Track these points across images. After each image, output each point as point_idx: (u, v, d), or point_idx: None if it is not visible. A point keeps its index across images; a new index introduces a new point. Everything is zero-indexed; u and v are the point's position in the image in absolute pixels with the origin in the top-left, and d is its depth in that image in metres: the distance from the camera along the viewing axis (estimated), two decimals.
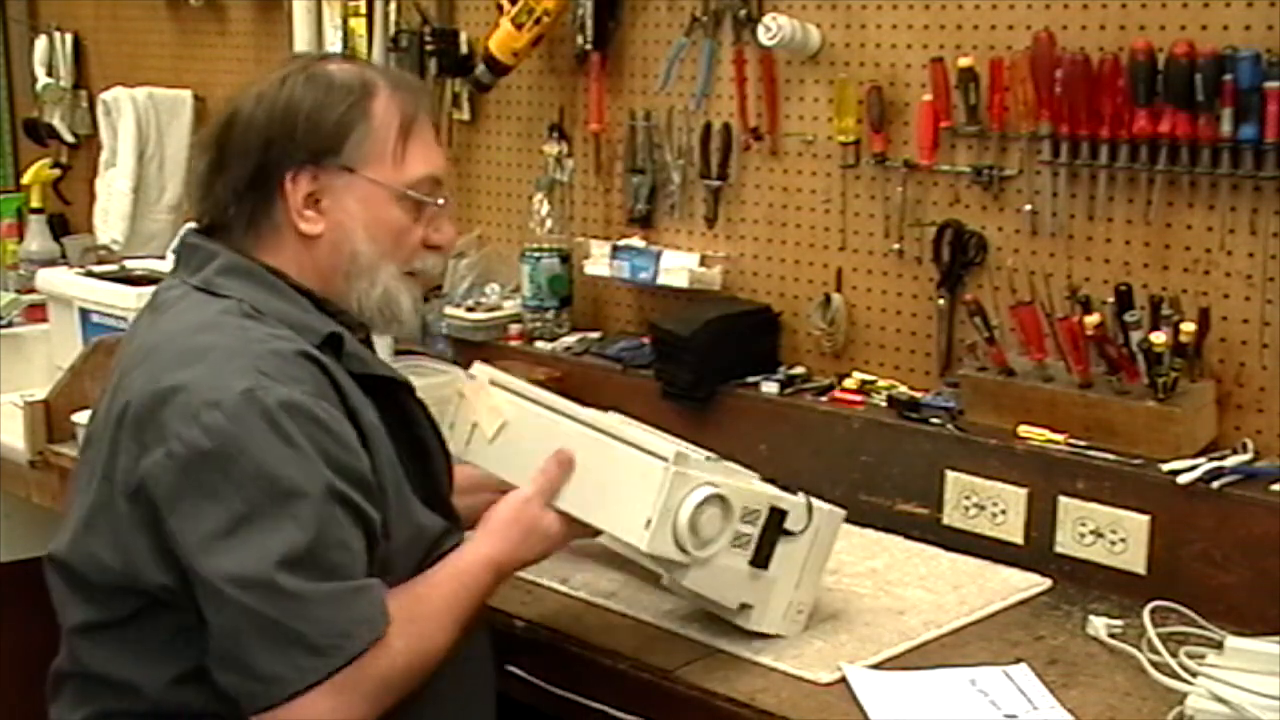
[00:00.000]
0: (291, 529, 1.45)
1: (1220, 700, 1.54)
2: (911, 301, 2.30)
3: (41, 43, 3.96)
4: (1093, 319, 1.99)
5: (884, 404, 2.24)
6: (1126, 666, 1.72)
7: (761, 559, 1.72)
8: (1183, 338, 1.94)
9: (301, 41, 3.13)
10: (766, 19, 2.34)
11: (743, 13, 2.43)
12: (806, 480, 1.84)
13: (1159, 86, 1.96)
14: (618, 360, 2.53)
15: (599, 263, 2.65)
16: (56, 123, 3.93)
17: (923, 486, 2.12)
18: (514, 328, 2.71)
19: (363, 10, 3.02)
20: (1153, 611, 1.78)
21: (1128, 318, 1.98)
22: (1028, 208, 2.15)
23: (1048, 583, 1.96)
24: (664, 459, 1.63)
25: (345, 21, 3.06)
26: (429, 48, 2.88)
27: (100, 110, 3.63)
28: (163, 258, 3.24)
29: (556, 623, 1.85)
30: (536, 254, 2.69)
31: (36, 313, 3.22)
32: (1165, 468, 1.92)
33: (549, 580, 1.94)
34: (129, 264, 3.18)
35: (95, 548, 1.54)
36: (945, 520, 2.10)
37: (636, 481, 1.64)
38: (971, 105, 2.16)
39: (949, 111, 2.20)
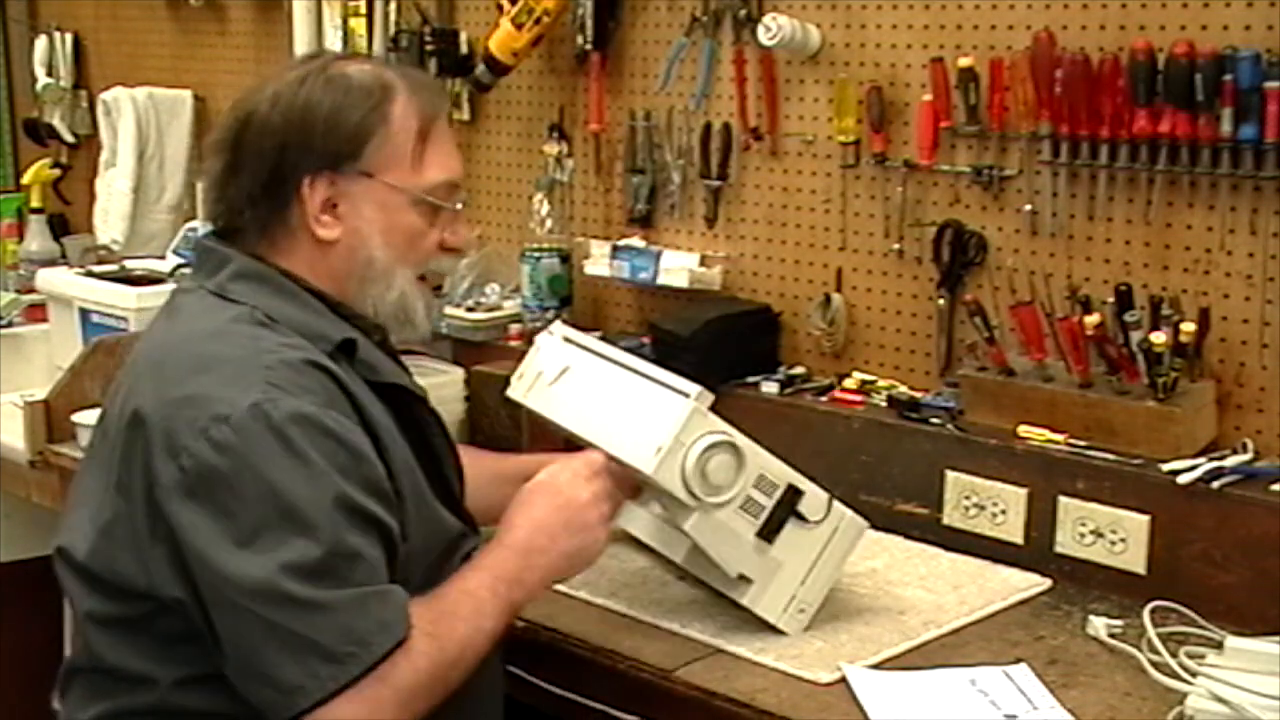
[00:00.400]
0: (303, 542, 1.45)
1: (1220, 700, 1.54)
2: (911, 301, 2.30)
3: (41, 43, 3.95)
4: (1093, 319, 1.99)
5: (884, 404, 2.24)
6: (1126, 666, 1.72)
7: (768, 532, 1.74)
8: (1183, 338, 1.94)
9: (301, 41, 3.13)
10: (766, 19, 2.34)
11: (743, 13, 2.43)
12: None
13: (1159, 86, 1.96)
14: None
15: (599, 263, 2.65)
16: (56, 123, 3.93)
17: (923, 486, 2.12)
18: (514, 328, 2.71)
19: (363, 10, 3.02)
20: (1153, 611, 1.78)
21: (1128, 318, 1.98)
22: (1028, 208, 2.15)
23: (1048, 583, 1.96)
24: (687, 395, 1.70)
25: (345, 21, 3.06)
26: (429, 48, 2.88)
27: (100, 110, 3.63)
28: (163, 258, 3.25)
29: (556, 623, 1.85)
30: (536, 254, 2.69)
31: (36, 313, 3.22)
32: (1165, 468, 1.92)
33: None
34: (129, 264, 3.19)
35: (117, 557, 1.54)
36: (945, 520, 2.10)
37: (658, 412, 1.71)
38: (971, 105, 2.16)
39: (949, 111, 2.20)
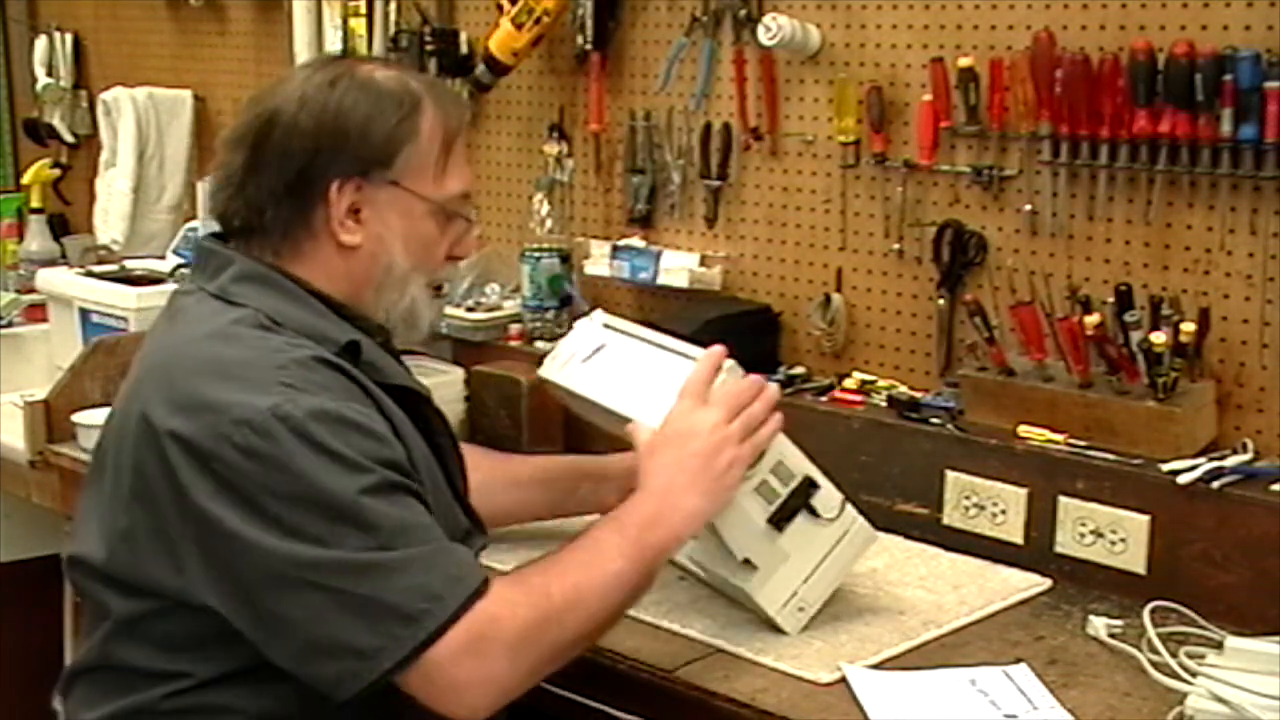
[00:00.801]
0: (352, 524, 1.45)
1: (1220, 700, 1.54)
2: (911, 301, 2.30)
3: (41, 43, 3.95)
4: (1093, 319, 1.99)
5: (884, 404, 2.24)
6: (1126, 666, 1.72)
7: (779, 519, 1.75)
8: (1183, 338, 1.94)
9: (301, 41, 3.13)
10: (766, 19, 2.34)
11: (743, 13, 2.43)
12: None
13: (1159, 86, 1.96)
14: None
15: (599, 263, 2.65)
16: (56, 123, 3.93)
17: (923, 486, 2.12)
18: (514, 328, 2.71)
19: (363, 10, 3.02)
20: (1153, 611, 1.78)
21: (1128, 318, 1.98)
22: (1028, 208, 2.15)
23: (1048, 583, 1.96)
24: (719, 368, 1.74)
25: (345, 21, 3.06)
26: (429, 48, 2.88)
27: (100, 110, 3.63)
28: (163, 258, 3.25)
29: None
30: (536, 254, 2.69)
31: (36, 313, 3.22)
32: (1165, 468, 1.92)
33: None
34: (129, 264, 3.19)
35: (143, 562, 1.53)
36: (945, 520, 2.10)
37: (679, 380, 1.73)
38: (971, 105, 2.16)
39: (949, 111, 2.20)
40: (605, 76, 2.66)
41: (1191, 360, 1.96)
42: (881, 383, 2.29)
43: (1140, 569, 1.92)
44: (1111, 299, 2.00)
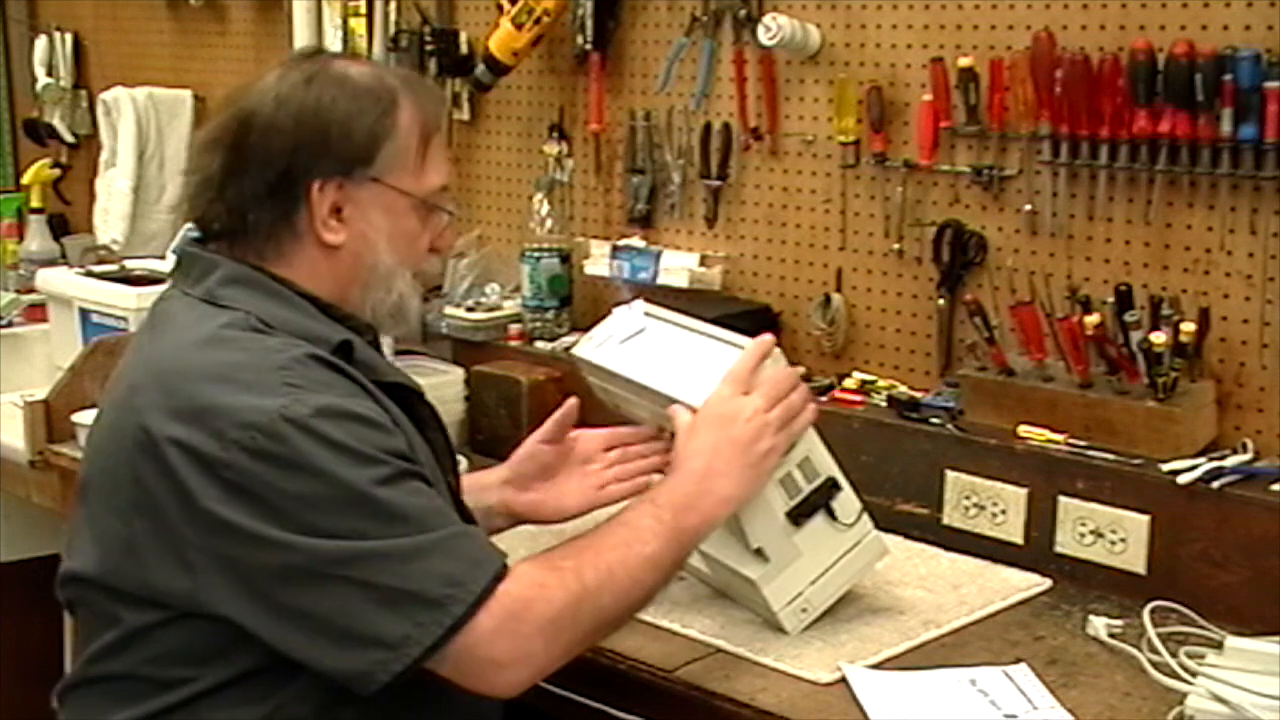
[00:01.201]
0: (367, 513, 1.46)
1: (1220, 700, 1.54)
2: (911, 301, 2.30)
3: (41, 43, 3.95)
4: (1093, 319, 1.99)
5: (884, 404, 2.23)
6: (1126, 666, 1.72)
7: (798, 515, 1.76)
8: (1183, 338, 1.94)
9: (301, 41, 3.13)
10: (766, 19, 2.34)
11: (743, 13, 2.43)
12: None
13: (1159, 86, 1.96)
14: None
15: (599, 263, 2.65)
16: (56, 123, 3.93)
17: (923, 486, 2.12)
18: (514, 328, 2.71)
19: (363, 10, 3.02)
20: (1153, 611, 1.78)
21: (1128, 318, 1.98)
22: (1028, 208, 2.15)
23: (1048, 583, 1.96)
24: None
25: (345, 21, 3.06)
26: (429, 48, 2.88)
27: (100, 110, 3.63)
28: (163, 258, 3.25)
29: None
30: (536, 254, 2.69)
31: (36, 313, 3.22)
32: (1165, 468, 1.92)
33: None
34: (129, 264, 3.18)
35: (150, 571, 1.51)
36: (945, 520, 2.10)
37: (719, 365, 1.74)
38: (971, 105, 2.16)
39: (949, 111, 2.20)
40: (605, 76, 2.66)
41: (1191, 360, 1.96)
42: (881, 383, 2.29)
43: (1140, 569, 1.92)
44: (1111, 299, 2.00)
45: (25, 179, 3.88)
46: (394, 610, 1.44)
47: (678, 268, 2.53)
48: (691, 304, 2.50)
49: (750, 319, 2.44)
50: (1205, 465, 1.90)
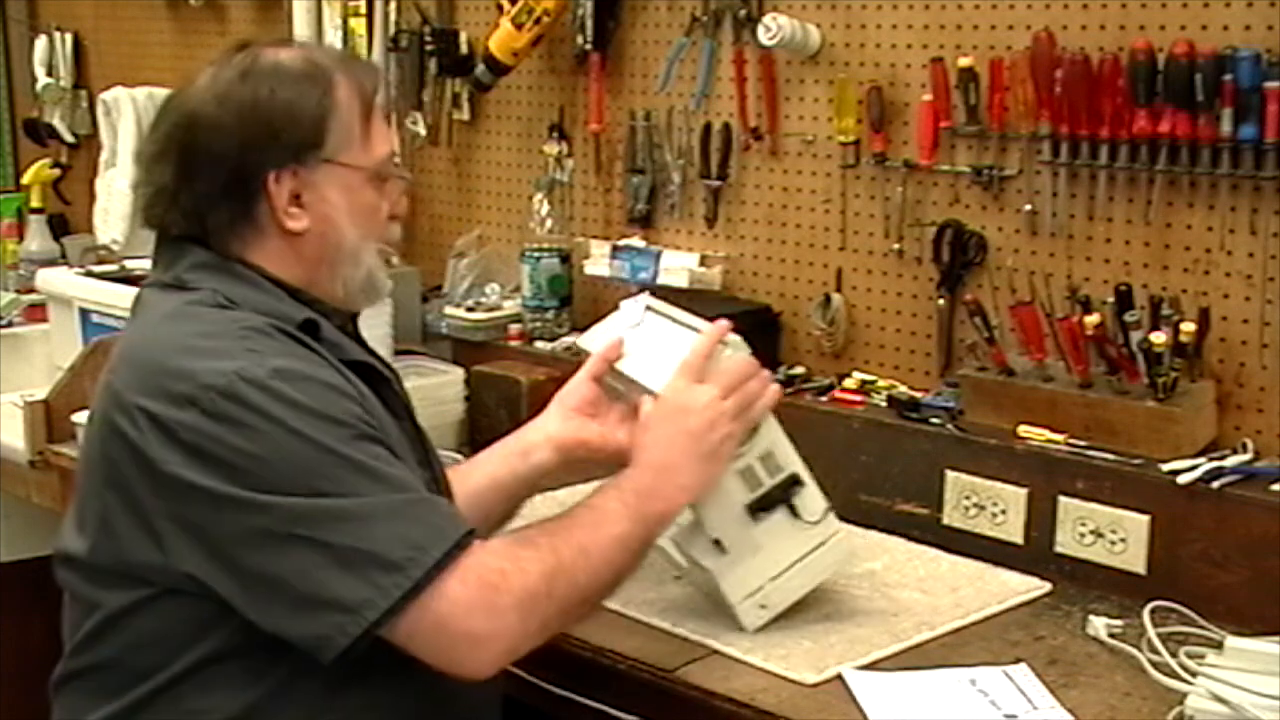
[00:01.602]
0: (327, 473, 1.46)
1: (1220, 700, 1.54)
2: (911, 301, 2.30)
3: (41, 43, 3.96)
4: (1093, 319, 1.99)
5: (884, 404, 2.23)
6: (1126, 666, 1.72)
7: (757, 508, 1.76)
8: (1183, 338, 1.94)
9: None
10: (766, 19, 2.34)
11: (743, 13, 2.43)
12: None
13: (1159, 86, 1.96)
14: None
15: (599, 263, 2.65)
16: (56, 123, 3.93)
17: (923, 486, 2.12)
18: (514, 328, 2.71)
19: (363, 10, 3.02)
20: (1153, 611, 1.78)
21: (1128, 318, 1.98)
22: (1028, 208, 2.15)
23: (1047, 586, 1.95)
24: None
25: (345, 21, 3.06)
26: (429, 48, 2.88)
27: (100, 110, 3.63)
28: None
29: None
30: (536, 254, 2.69)
31: (36, 313, 3.22)
32: (1165, 468, 1.92)
33: None
34: (129, 264, 3.17)
35: (125, 546, 1.53)
36: (945, 520, 2.09)
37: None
38: (971, 105, 2.16)
39: (949, 111, 2.20)
40: (605, 76, 2.66)
41: (1191, 360, 1.96)
42: (881, 383, 2.29)
43: (1140, 569, 1.92)
44: (1111, 299, 2.00)
45: (25, 179, 3.88)
46: (352, 572, 1.44)
47: (678, 268, 2.53)
48: (691, 304, 2.49)
49: (750, 319, 2.44)
50: (1205, 465, 1.90)
